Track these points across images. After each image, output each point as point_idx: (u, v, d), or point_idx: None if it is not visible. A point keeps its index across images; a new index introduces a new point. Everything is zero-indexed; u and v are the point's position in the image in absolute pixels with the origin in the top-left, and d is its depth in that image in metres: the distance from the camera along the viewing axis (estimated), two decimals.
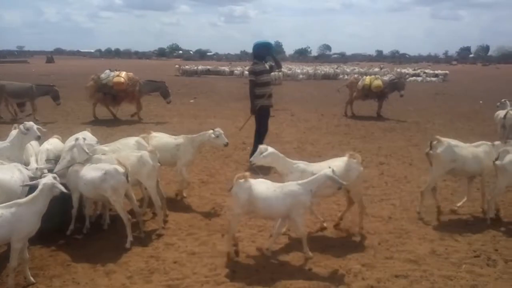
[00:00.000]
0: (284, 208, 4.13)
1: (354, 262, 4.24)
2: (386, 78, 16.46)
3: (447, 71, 38.23)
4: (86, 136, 5.41)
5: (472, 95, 22.60)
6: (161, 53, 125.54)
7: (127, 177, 4.35)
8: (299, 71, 36.48)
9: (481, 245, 4.69)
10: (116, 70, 13.26)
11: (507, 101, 10.13)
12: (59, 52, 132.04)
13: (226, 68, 39.58)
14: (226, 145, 5.96)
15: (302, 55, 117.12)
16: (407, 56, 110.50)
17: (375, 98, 14.61)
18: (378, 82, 14.10)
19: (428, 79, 34.08)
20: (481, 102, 18.77)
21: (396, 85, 14.76)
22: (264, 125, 8.21)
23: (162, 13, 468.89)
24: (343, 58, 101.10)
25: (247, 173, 4.29)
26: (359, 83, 14.39)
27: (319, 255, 4.37)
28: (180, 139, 5.92)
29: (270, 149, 4.75)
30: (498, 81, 35.29)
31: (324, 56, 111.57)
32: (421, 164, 8.31)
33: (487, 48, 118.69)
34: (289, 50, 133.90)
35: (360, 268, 4.12)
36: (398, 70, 39.21)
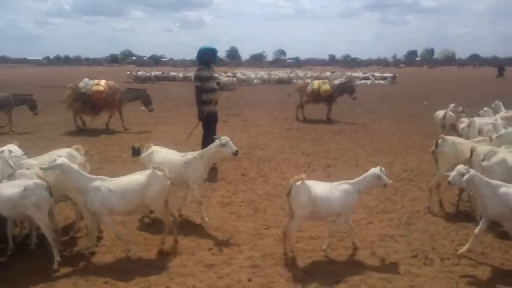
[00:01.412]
0: (339, 207, 4.28)
1: (295, 269, 4.17)
2: (337, 81, 16.82)
3: (395, 74, 39.83)
4: (12, 149, 5.02)
5: (417, 96, 23.60)
6: (113, 60, 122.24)
7: (50, 192, 4.03)
8: (253, 76, 36.65)
9: (419, 244, 4.79)
10: (95, 79, 12.83)
11: (500, 103, 10.12)
12: (3, 60, 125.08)
13: (180, 74, 39.05)
14: (236, 153, 5.22)
15: (257, 60, 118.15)
16: (358, 60, 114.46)
17: (324, 102, 14.86)
18: (326, 87, 14.36)
19: (377, 82, 35.36)
20: (425, 103, 19.61)
21: (345, 89, 15.11)
22: (212, 131, 8.06)
23: (114, 19, 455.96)
24: (297, 63, 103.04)
25: (303, 175, 4.32)
26: (308, 87, 14.59)
27: (258, 262, 4.27)
28: (190, 155, 5.39)
29: (60, 160, 4.21)
30: (442, 82, 37.27)
31: (279, 61, 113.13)
32: (367, 165, 8.36)
33: (432, 51, 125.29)
34: (245, 55, 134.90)
35: (301, 275, 4.06)
36: (349, 73, 40.40)
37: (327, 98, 14.62)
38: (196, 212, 5.63)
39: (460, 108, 10.05)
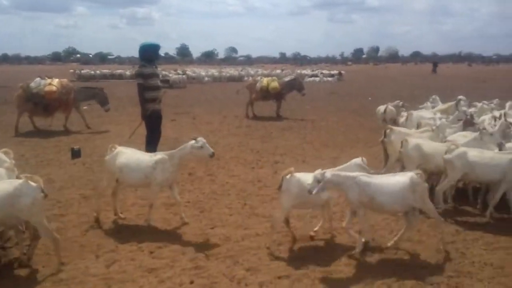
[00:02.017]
0: (326, 195, 4.53)
1: (238, 268, 4.12)
2: (287, 79, 16.97)
3: (340, 71, 41.03)
4: None
5: (363, 92, 24.46)
6: (56, 58, 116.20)
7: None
8: (204, 73, 36.27)
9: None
10: (48, 78, 12.03)
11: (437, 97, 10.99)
12: None
13: (127, 72, 37.79)
14: (213, 155, 5.05)
15: (209, 57, 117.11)
16: (307, 58, 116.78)
17: (273, 99, 14.98)
18: (274, 84, 14.49)
19: (325, 79, 36.22)
20: (370, 98, 20.35)
21: (293, 86, 15.32)
22: (156, 130, 7.83)
23: (57, 15, 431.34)
24: (249, 61, 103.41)
25: (292, 168, 4.49)
26: (257, 85, 14.65)
27: (201, 263, 4.19)
28: (159, 155, 5.13)
29: None
30: (386, 79, 38.94)
31: (231, 59, 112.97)
32: (314, 161, 8.62)
33: (377, 49, 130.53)
34: (196, 52, 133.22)
35: (244, 273, 4.02)
36: (299, 71, 41.08)
37: (276, 95, 14.76)
38: (139, 215, 5.43)
39: (401, 103, 10.53)
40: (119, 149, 5.25)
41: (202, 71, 39.36)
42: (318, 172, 4.13)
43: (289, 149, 9.75)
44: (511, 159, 5.25)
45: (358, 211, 4.34)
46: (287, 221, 4.75)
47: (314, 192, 4.06)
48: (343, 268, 4.16)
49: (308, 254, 4.46)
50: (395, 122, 10.00)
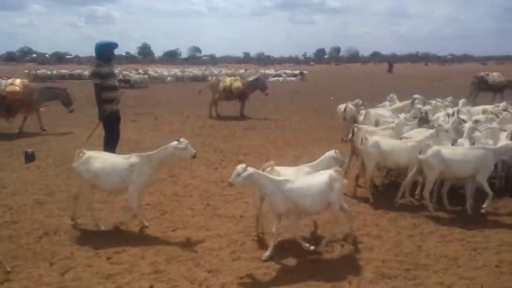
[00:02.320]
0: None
1: (200, 270, 4.06)
2: (250, 79, 16.98)
3: (302, 71, 41.62)
4: None
5: (325, 92, 24.90)
6: (10, 58, 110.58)
7: None
8: (166, 73, 35.71)
9: (321, 232, 4.97)
10: (8, 78, 11.45)
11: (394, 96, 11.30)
12: None
13: (86, 72, 36.53)
14: (195, 156, 4.98)
15: (172, 57, 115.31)
16: (271, 58, 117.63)
17: (236, 99, 14.95)
18: (238, 84, 14.47)
19: (288, 79, 36.63)
20: (332, 98, 20.73)
21: (257, 86, 15.35)
22: (115, 132, 7.59)
23: (9, 13, 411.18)
24: (213, 60, 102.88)
25: (272, 162, 4.71)
26: (220, 84, 14.57)
27: (162, 267, 4.09)
28: (135, 157, 4.92)
29: None
30: (347, 78, 39.86)
31: (195, 58, 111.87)
32: (277, 160, 8.56)
33: (338, 50, 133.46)
34: (158, 52, 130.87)
35: (206, 275, 3.96)
36: (262, 71, 41.30)
37: (240, 95, 14.74)
38: (96, 219, 5.24)
39: (360, 101, 10.79)
40: (90, 154, 4.99)
41: (164, 70, 38.75)
42: (240, 166, 4.12)
43: (253, 148, 9.76)
44: (482, 153, 5.49)
45: (288, 217, 4.33)
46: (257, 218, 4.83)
47: (235, 185, 4.10)
48: (306, 265, 4.19)
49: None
50: (355, 120, 10.27)
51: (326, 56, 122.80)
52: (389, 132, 6.84)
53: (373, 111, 8.87)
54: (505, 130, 6.84)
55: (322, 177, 4.30)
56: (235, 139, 10.97)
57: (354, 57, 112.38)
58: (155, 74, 34.30)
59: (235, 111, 15.18)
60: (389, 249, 4.57)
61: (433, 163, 5.50)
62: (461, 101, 10.21)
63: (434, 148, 5.57)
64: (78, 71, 38.27)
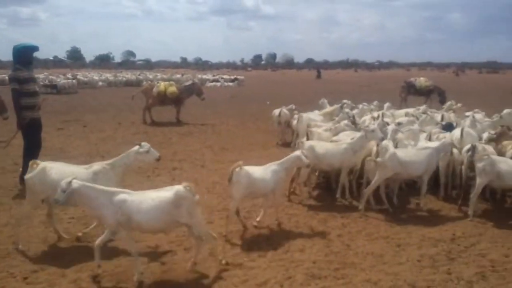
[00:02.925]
0: (272, 184, 5.07)
1: (128, 285, 3.85)
2: (186, 84, 16.67)
3: (236, 76, 41.97)
4: None
5: (261, 97, 25.20)
6: None
7: None
8: (97, 78, 34.08)
9: (255, 237, 4.98)
10: None
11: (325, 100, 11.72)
12: None
13: (6, 76, 33.76)
14: (159, 159, 4.94)
15: (104, 61, 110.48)
16: (209, 63, 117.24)
17: (172, 104, 14.62)
18: (172, 88, 14.16)
19: (226, 84, 36.66)
20: (268, 103, 21.03)
21: (192, 90, 15.12)
22: (36, 140, 7.04)
23: None
24: (148, 65, 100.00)
25: (241, 162, 4.88)
26: (154, 89, 14.16)
27: (84, 285, 3.82)
28: (97, 166, 4.65)
29: None
30: (284, 84, 40.79)
31: (129, 63, 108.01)
32: (212, 165, 8.60)
33: (274, 56, 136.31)
34: (89, 56, 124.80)
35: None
36: (200, 76, 40.96)
37: (175, 100, 14.42)
38: (11, 236, 4.79)
39: (294, 106, 11.05)
40: (44, 164, 4.56)
41: (95, 75, 36.95)
42: (64, 181, 3.72)
43: (189, 154, 9.58)
44: (430, 153, 5.93)
45: (118, 232, 3.89)
46: (237, 212, 5.13)
47: (61, 202, 3.69)
48: (236, 272, 4.14)
49: (202, 261, 4.35)
50: (289, 125, 10.51)
51: (263, 62, 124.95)
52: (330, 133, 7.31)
53: (305, 116, 9.13)
54: (424, 132, 7.39)
55: (166, 193, 3.88)
56: (170, 145, 10.70)
57: (289, 63, 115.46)
58: (85, 79, 32.61)
59: (171, 116, 14.84)
60: (320, 249, 4.68)
61: (391, 165, 5.75)
62: (386, 104, 10.86)
63: (391, 151, 5.83)
64: (1, 76, 35.19)
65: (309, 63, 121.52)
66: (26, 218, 4.78)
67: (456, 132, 6.98)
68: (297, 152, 5.29)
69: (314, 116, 9.10)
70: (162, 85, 14.31)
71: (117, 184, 4.73)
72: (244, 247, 4.68)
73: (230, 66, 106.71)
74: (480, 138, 6.85)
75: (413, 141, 6.84)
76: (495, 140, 6.58)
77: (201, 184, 7.23)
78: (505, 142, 6.45)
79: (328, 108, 10.10)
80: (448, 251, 4.67)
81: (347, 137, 6.72)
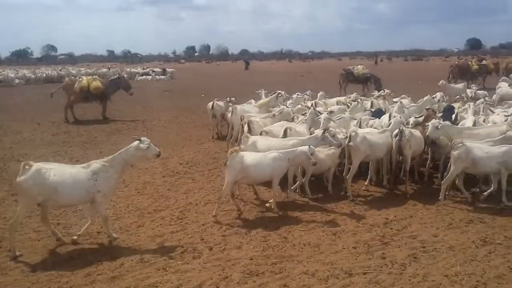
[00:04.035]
0: (269, 172, 5.19)
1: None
2: (112, 78, 15.68)
3: (171, 69, 40.73)
4: None
5: (196, 90, 24.64)
6: None
7: None
8: (13, 75, 31.15)
9: (189, 237, 4.71)
10: None
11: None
12: None
13: None
14: (159, 155, 4.80)
15: (21, 57, 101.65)
16: (139, 55, 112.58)
17: (97, 100, 13.65)
18: (96, 83, 13.21)
19: (158, 77, 35.32)
20: (203, 96, 20.56)
21: (119, 85, 14.24)
22: None
23: None
24: (72, 59, 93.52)
25: (238, 148, 5.20)
26: (76, 85, 13.11)
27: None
28: (95, 164, 4.47)
29: None
30: (218, 76, 40.35)
31: (50, 58, 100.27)
32: (144, 164, 8.11)
33: (208, 47, 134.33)
34: (4, 52, 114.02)
35: None
36: (128, 69, 39.09)
37: (100, 96, 13.48)
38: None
39: (228, 98, 10.79)
40: (39, 166, 4.28)
41: (10, 72, 33.73)
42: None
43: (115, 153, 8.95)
44: (388, 135, 6.19)
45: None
46: (232, 195, 5.42)
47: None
48: (170, 276, 3.85)
49: (130, 267, 4.00)
50: (224, 118, 10.24)
51: (196, 54, 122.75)
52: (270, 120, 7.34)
53: (239, 107, 8.93)
54: (355, 119, 7.53)
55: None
56: (95, 144, 9.98)
57: (224, 55, 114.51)
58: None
59: (96, 114, 13.89)
60: (257, 245, 4.54)
61: (362, 148, 5.89)
62: (319, 94, 11.01)
63: (361, 134, 5.95)
64: None
65: (244, 55, 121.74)
66: (16, 227, 4.40)
67: (385, 118, 7.18)
68: (304, 148, 5.22)
69: (249, 108, 8.93)
70: (84, 80, 13.31)
71: (116, 182, 4.67)
72: (177, 250, 4.38)
73: (162, 58, 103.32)
74: (407, 123, 7.09)
75: (345, 128, 6.93)
76: (421, 123, 6.84)
77: (131, 185, 6.81)
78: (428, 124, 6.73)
79: (263, 100, 9.97)
80: (382, 235, 4.75)
81: (281, 128, 6.57)
